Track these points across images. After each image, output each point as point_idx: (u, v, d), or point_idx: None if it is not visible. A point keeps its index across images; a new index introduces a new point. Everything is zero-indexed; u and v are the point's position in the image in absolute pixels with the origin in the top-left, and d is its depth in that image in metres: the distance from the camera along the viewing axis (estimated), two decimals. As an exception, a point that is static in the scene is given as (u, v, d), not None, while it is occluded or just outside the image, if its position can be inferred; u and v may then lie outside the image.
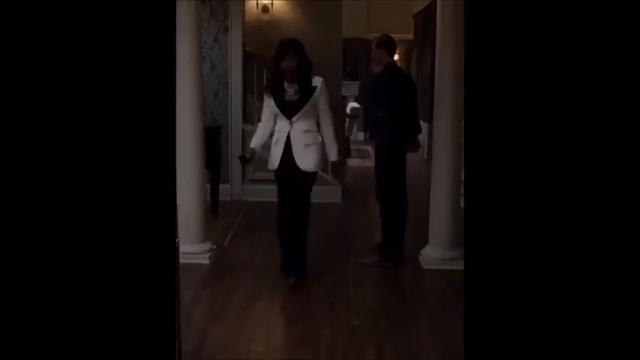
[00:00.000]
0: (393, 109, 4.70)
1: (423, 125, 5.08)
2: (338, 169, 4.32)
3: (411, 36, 11.87)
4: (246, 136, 7.05)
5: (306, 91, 4.20)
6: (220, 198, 6.39)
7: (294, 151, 4.28)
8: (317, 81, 4.24)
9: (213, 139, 5.91)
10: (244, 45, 7.04)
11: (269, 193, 6.99)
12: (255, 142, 4.51)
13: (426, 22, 9.95)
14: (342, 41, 7.89)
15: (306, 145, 4.28)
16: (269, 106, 4.36)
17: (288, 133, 4.28)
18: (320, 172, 7.17)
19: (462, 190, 4.81)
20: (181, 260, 2.98)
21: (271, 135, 4.49)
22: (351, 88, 12.07)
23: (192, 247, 4.75)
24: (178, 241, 3.11)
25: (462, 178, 4.90)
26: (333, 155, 4.46)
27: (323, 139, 4.42)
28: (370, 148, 10.42)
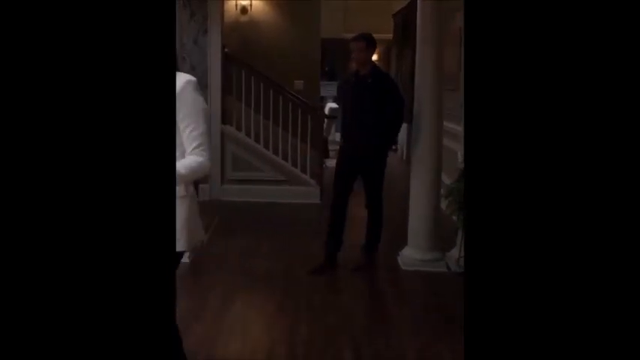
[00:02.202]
0: (382, 112, 4.61)
1: (403, 126, 5.05)
2: None
3: (389, 36, 11.93)
4: (225, 138, 7.06)
5: None
6: (199, 198, 6.37)
7: None
8: (180, 80, 2.29)
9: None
10: (224, 46, 7.04)
11: (247, 194, 7.06)
12: None
13: (405, 21, 10.01)
14: (320, 41, 7.92)
15: None
16: None
17: None
18: (298, 172, 7.31)
19: (443, 192, 4.84)
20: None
21: None
22: (329, 88, 12.09)
23: (171, 247, 4.72)
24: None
25: (443, 180, 4.94)
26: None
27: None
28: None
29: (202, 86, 6.94)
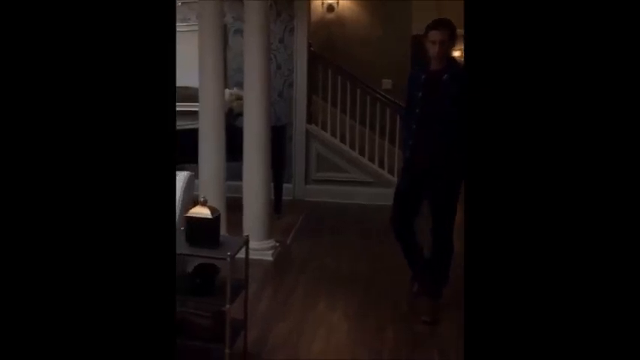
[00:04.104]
0: (461, 114, 3.46)
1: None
2: None
3: (482, 34, 11.57)
4: (310, 137, 7.02)
5: None
6: (283, 197, 6.38)
7: None
8: None
9: (277, 138, 5.89)
10: (310, 45, 7.00)
11: (331, 194, 6.99)
12: None
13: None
14: (411, 38, 7.69)
15: None
16: None
17: None
18: (385, 173, 7.14)
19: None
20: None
21: None
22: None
23: (256, 244, 4.80)
24: (248, 236, 3.17)
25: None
26: None
27: None
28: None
29: (287, 85, 6.96)
